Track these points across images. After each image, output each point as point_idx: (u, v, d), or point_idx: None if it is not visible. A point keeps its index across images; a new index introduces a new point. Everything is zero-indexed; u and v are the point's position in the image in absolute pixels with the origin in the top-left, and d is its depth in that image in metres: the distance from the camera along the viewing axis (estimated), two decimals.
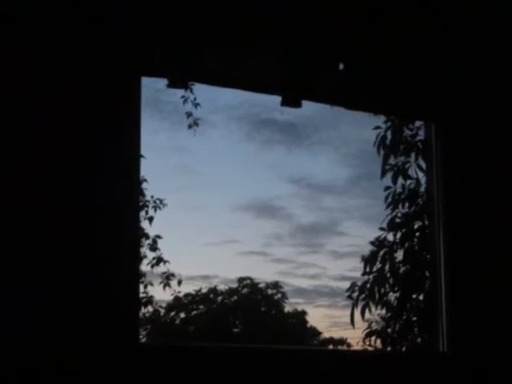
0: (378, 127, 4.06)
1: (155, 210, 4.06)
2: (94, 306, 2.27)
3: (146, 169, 2.55)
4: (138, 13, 2.47)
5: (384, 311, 4.18)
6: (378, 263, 4.14)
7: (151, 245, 4.19)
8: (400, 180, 4.13)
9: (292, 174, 4.29)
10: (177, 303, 4.62)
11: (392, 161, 4.13)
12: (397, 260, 4.16)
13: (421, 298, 4.18)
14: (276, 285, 4.79)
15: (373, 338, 4.14)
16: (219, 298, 4.75)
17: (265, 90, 2.72)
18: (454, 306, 2.84)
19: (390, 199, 4.13)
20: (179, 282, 4.27)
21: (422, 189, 4.08)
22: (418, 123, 4.05)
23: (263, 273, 4.65)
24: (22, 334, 2.18)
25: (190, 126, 3.81)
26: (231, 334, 4.67)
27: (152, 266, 4.20)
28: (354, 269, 4.18)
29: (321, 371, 2.57)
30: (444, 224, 2.90)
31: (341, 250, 4.39)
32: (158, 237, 4.20)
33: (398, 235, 4.16)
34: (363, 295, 4.08)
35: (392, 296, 4.19)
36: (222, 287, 4.75)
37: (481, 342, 2.82)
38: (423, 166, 4.02)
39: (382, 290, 4.15)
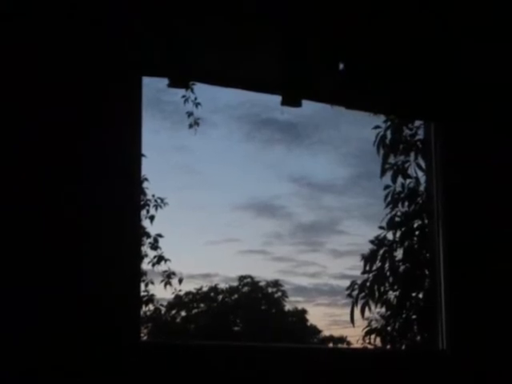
0: (377, 127, 4.08)
1: (156, 209, 4.08)
2: (94, 305, 2.27)
3: (147, 168, 2.56)
4: (138, 13, 2.47)
5: (384, 309, 4.19)
6: (377, 262, 4.15)
7: (152, 243, 4.20)
8: (399, 179, 4.15)
9: (292, 173, 4.30)
10: (178, 301, 4.63)
11: (392, 160, 4.14)
12: (396, 258, 4.17)
13: (420, 296, 4.20)
14: (276, 283, 4.80)
15: (372, 336, 4.16)
16: (220, 297, 4.76)
17: (265, 89, 2.72)
18: (453, 305, 2.84)
19: (389, 198, 4.14)
20: (180, 281, 4.29)
21: (422, 188, 4.09)
22: (417, 123, 4.07)
23: (263, 271, 4.66)
24: (22, 334, 2.18)
25: (190, 126, 3.83)
26: (232, 333, 4.67)
27: (153, 265, 4.22)
28: (354, 267, 4.19)
29: (321, 369, 2.57)
30: (443, 223, 2.90)
31: (341, 248, 4.40)
32: (159, 235, 4.22)
33: (398, 234, 4.18)
34: (363, 293, 4.09)
35: (392, 294, 4.21)
36: (222, 286, 4.76)
37: (480, 340, 2.82)
38: (423, 165, 4.03)
39: (382, 289, 4.16)
